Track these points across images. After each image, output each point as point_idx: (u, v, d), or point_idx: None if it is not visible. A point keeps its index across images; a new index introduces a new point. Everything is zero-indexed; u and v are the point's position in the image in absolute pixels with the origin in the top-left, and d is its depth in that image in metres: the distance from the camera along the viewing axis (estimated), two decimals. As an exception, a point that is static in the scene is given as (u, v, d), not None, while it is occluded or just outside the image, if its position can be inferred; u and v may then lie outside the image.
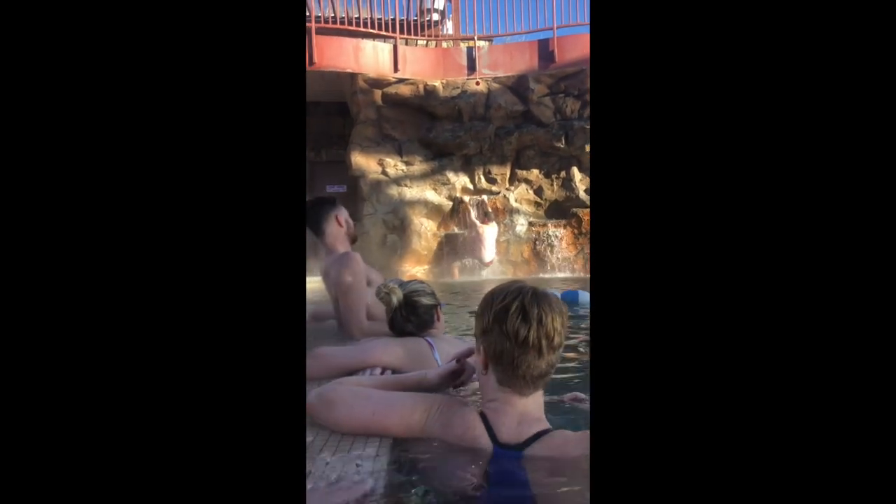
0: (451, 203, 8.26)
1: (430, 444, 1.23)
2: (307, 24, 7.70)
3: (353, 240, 2.60)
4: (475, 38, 8.69)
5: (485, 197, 8.25)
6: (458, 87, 8.29)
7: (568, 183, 8.32)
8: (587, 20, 8.27)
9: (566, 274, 7.85)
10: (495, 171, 8.36)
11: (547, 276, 7.80)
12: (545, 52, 8.42)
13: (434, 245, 8.15)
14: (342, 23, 8.44)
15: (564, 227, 8.18)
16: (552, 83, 8.40)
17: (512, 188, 8.41)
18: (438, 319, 2.02)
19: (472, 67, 8.43)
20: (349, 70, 8.10)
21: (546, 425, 1.21)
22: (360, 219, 7.91)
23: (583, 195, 8.18)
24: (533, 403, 1.22)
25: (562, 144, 8.19)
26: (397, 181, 8.20)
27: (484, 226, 7.93)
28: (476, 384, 1.43)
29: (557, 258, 8.07)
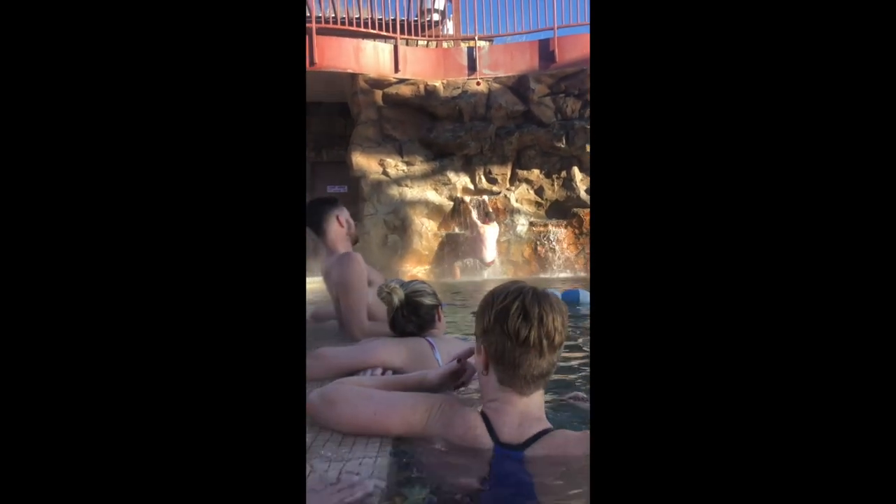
0: (451, 203, 8.27)
1: (431, 445, 1.23)
2: (308, 25, 7.71)
3: (354, 240, 2.60)
4: (476, 38, 8.70)
5: (486, 197, 8.25)
6: (458, 88, 8.29)
7: (569, 183, 8.32)
8: (588, 20, 8.27)
9: (567, 274, 7.85)
10: (496, 171, 8.36)
11: (548, 276, 7.80)
12: (546, 52, 8.43)
13: (435, 245, 8.16)
14: (343, 23, 8.46)
15: (565, 227, 8.18)
16: (553, 83, 8.41)
17: (513, 188, 8.41)
18: (439, 320, 2.02)
19: (472, 67, 8.44)
20: (350, 70, 8.11)
21: (547, 425, 1.21)
22: (360, 219, 7.92)
23: (583, 195, 8.18)
24: (534, 403, 1.22)
25: (562, 144, 8.19)
26: (398, 181, 8.20)
27: (485, 226, 7.94)
28: (477, 384, 1.43)
29: (558, 258, 8.07)
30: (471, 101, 8.20)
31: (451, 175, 8.31)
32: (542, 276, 7.82)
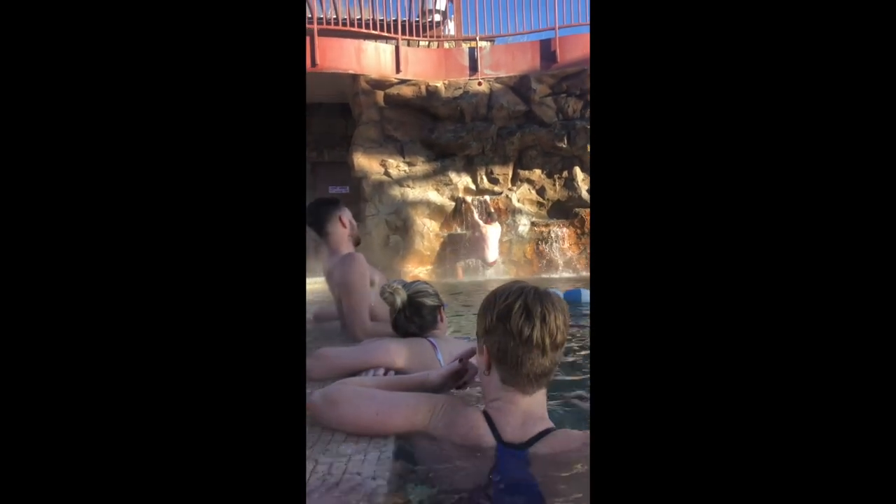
0: (453, 203, 8.27)
1: (433, 444, 1.23)
2: (309, 26, 7.72)
3: (356, 241, 2.60)
4: (477, 38, 8.70)
5: (487, 197, 8.25)
6: (460, 88, 8.29)
7: (570, 183, 8.32)
8: (588, 20, 8.27)
9: (569, 274, 7.84)
10: (498, 171, 8.36)
11: (550, 276, 7.79)
12: (547, 52, 8.42)
13: (437, 246, 8.16)
14: (344, 24, 8.46)
15: (567, 226, 8.18)
16: (554, 83, 8.40)
17: (514, 188, 8.41)
18: (442, 320, 2.02)
19: (474, 68, 8.44)
20: (351, 71, 8.12)
21: (550, 424, 1.21)
22: (362, 220, 7.93)
23: (585, 195, 8.18)
24: (536, 402, 1.22)
25: (564, 144, 8.19)
26: (400, 182, 8.20)
27: (487, 226, 7.94)
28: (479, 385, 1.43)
29: (560, 258, 8.07)
30: (472, 101, 8.20)
31: (453, 175, 8.31)
32: (543, 276, 7.81)
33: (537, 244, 8.17)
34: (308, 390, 1.38)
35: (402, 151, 8.27)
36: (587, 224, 8.04)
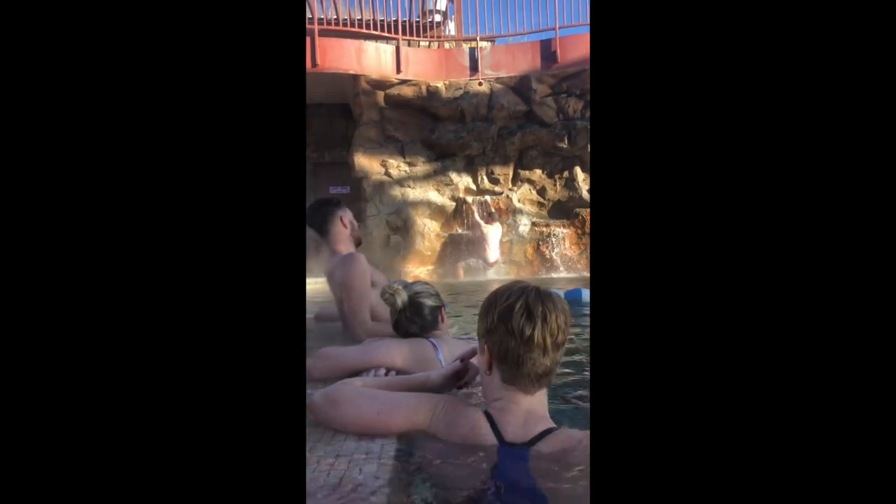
0: (454, 204, 8.27)
1: (435, 444, 1.23)
2: (310, 27, 7.72)
3: (357, 241, 2.61)
4: (477, 38, 8.71)
5: (488, 197, 8.25)
6: (460, 88, 8.30)
7: (571, 183, 8.32)
8: (589, 20, 8.27)
9: (570, 274, 7.84)
10: (498, 171, 8.36)
11: (550, 276, 7.79)
12: (547, 52, 8.42)
13: (437, 246, 8.16)
14: (345, 24, 8.46)
15: (567, 226, 8.18)
16: (555, 83, 8.40)
17: (515, 188, 8.41)
18: (443, 321, 2.02)
19: (474, 68, 8.44)
20: (352, 72, 8.12)
21: (551, 423, 1.21)
22: (363, 220, 7.93)
23: (586, 195, 8.18)
24: (538, 402, 1.23)
25: (564, 144, 8.19)
26: (400, 182, 8.21)
27: (487, 226, 7.94)
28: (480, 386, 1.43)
29: (561, 258, 8.07)
30: (473, 101, 8.21)
31: (454, 175, 8.31)
32: (544, 276, 7.81)
33: (538, 244, 8.17)
34: (310, 390, 1.39)
35: (402, 152, 8.28)
36: (588, 224, 8.04)
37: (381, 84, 8.23)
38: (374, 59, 8.22)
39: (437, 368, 1.61)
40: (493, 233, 7.93)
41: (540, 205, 8.42)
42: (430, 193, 8.24)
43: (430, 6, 9.44)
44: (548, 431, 1.18)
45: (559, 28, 8.46)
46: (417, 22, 8.94)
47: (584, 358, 2.41)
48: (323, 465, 1.12)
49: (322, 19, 8.32)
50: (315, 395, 1.34)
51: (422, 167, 8.28)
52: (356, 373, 1.70)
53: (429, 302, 1.97)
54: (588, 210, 8.09)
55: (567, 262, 8.07)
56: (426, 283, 2.08)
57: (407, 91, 8.24)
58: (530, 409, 1.21)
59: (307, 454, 1.15)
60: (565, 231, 8.16)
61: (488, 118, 8.26)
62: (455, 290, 5.93)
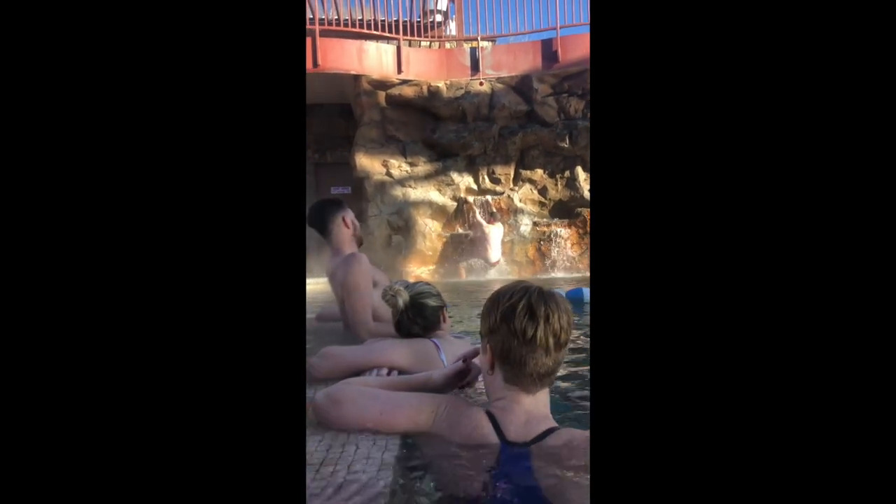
0: (455, 204, 8.27)
1: (437, 444, 1.23)
2: (311, 27, 7.73)
3: (359, 241, 2.61)
4: (478, 38, 8.71)
5: (489, 197, 8.25)
6: (461, 88, 8.30)
7: (572, 182, 8.32)
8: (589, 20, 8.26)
9: (571, 273, 7.84)
10: (499, 171, 8.36)
11: (552, 275, 7.79)
12: (549, 51, 8.42)
13: (439, 246, 8.16)
14: (346, 25, 8.47)
15: (569, 226, 8.18)
16: (556, 83, 8.41)
17: (516, 188, 8.41)
18: (444, 321, 2.02)
19: (475, 68, 8.44)
20: (353, 72, 8.13)
21: (553, 423, 1.21)
22: (364, 220, 7.94)
23: (587, 195, 8.18)
24: (540, 401, 1.23)
25: (566, 144, 8.19)
26: (402, 182, 8.21)
27: (489, 226, 7.94)
28: (480, 386, 1.43)
29: (562, 258, 8.07)
30: (474, 101, 8.21)
31: (455, 175, 8.31)
32: (546, 276, 7.81)
33: (539, 244, 8.17)
34: (312, 390, 1.39)
35: (403, 152, 8.28)
36: (589, 224, 8.05)
37: (382, 84, 8.24)
38: (375, 59, 8.22)
39: (440, 368, 1.61)
40: (495, 233, 7.93)
41: (541, 204, 8.42)
42: (431, 193, 8.24)
43: (430, 6, 9.44)
44: (550, 431, 1.18)
45: (560, 28, 8.46)
46: (418, 22, 8.94)
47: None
48: (326, 465, 1.12)
49: (323, 19, 8.33)
50: (318, 395, 1.34)
51: (423, 167, 8.28)
52: (358, 372, 1.70)
53: (430, 302, 1.97)
54: (589, 210, 8.09)
55: (568, 261, 8.06)
56: (427, 284, 2.08)
57: (408, 91, 8.25)
58: (532, 409, 1.21)
59: (310, 455, 1.15)
60: (567, 231, 8.16)
61: (489, 118, 8.26)
62: (457, 290, 5.93)
